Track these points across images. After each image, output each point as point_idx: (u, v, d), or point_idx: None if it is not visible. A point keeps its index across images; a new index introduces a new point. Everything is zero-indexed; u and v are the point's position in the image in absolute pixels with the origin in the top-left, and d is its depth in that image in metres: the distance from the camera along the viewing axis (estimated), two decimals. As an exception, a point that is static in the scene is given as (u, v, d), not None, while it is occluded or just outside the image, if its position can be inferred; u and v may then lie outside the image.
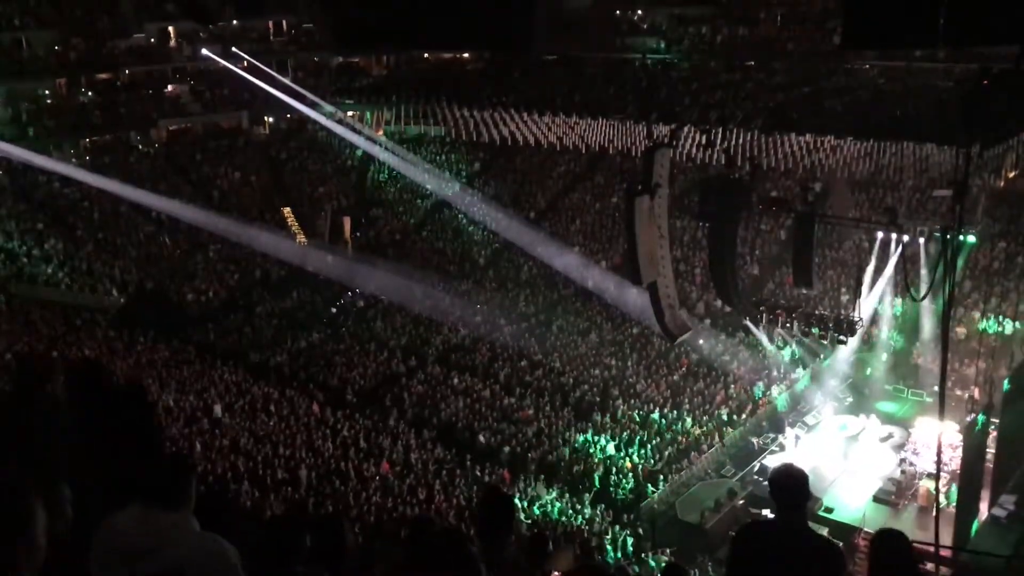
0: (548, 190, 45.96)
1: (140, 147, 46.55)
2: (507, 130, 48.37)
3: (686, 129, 39.82)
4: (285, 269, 39.84)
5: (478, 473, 25.48)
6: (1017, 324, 30.40)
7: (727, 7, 47.87)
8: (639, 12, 51.26)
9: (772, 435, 28.24)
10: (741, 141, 39.27)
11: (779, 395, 30.03)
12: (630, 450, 26.69)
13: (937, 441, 20.09)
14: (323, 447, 26.61)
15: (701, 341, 32.38)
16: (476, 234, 43.50)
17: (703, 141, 36.53)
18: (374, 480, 24.63)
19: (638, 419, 28.24)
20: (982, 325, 30.71)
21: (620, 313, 35.09)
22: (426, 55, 54.27)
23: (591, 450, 26.65)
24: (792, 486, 4.74)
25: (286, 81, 47.45)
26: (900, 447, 27.17)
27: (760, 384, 30.43)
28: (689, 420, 28.18)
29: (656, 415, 28.40)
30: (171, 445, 25.40)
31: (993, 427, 24.24)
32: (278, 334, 35.67)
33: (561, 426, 28.08)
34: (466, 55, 53.96)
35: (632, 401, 29.36)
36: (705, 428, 27.85)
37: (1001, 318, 30.86)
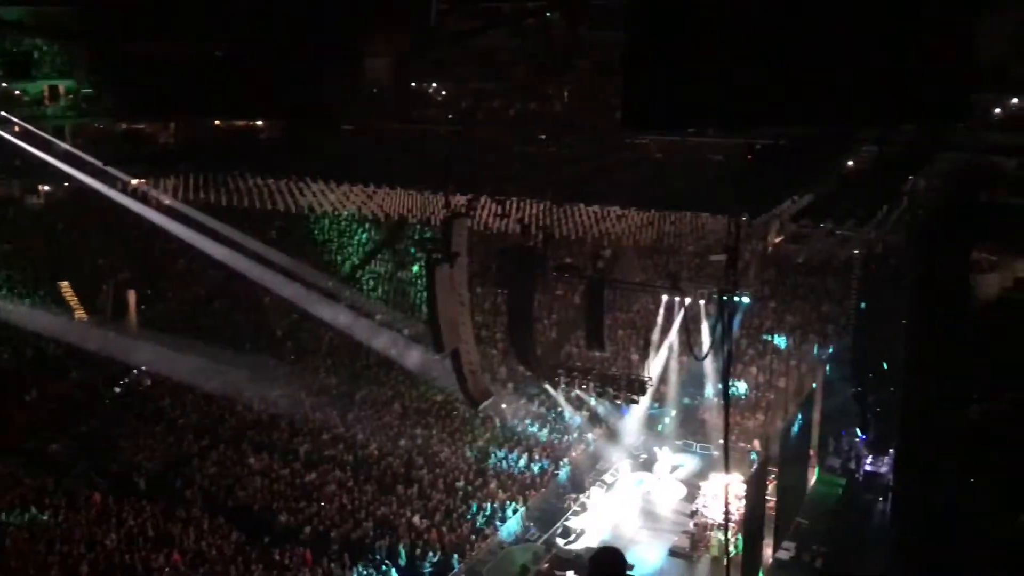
0: (349, 259, 45.51)
1: None
2: (305, 199, 47.65)
3: (483, 199, 40.71)
4: (62, 348, 36.83)
5: (276, 556, 24.28)
6: (788, 379, 32.85)
7: (521, 84, 49.80)
8: (434, 84, 52.34)
9: (574, 495, 28.81)
10: (534, 211, 40.62)
11: (578, 455, 30.76)
12: (435, 520, 26.37)
13: (724, 493, 21.17)
14: (106, 539, 24.49)
15: (504, 406, 32.76)
16: (273, 304, 42.23)
17: (499, 211, 37.48)
18: (163, 572, 22.89)
19: (443, 488, 28.02)
20: (755, 381, 33.01)
21: (423, 381, 35.00)
22: (217, 122, 52.75)
23: (396, 522, 26.11)
24: (609, 566, 4.84)
25: (65, 147, 44.54)
26: (692, 498, 28.40)
27: (560, 445, 31.08)
28: (494, 485, 28.27)
29: (461, 482, 28.29)
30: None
31: (772, 476, 25.89)
32: (54, 419, 32.78)
33: (365, 500, 27.39)
34: (260, 123, 52.92)
35: (438, 471, 29.14)
36: (509, 493, 28.01)
37: (774, 373, 33.27)
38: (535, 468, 29.61)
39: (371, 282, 44.00)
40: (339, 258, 45.71)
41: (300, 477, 28.84)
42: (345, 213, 47.50)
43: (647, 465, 30.90)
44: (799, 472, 28.15)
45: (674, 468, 30.30)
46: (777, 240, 39.12)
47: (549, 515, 27.87)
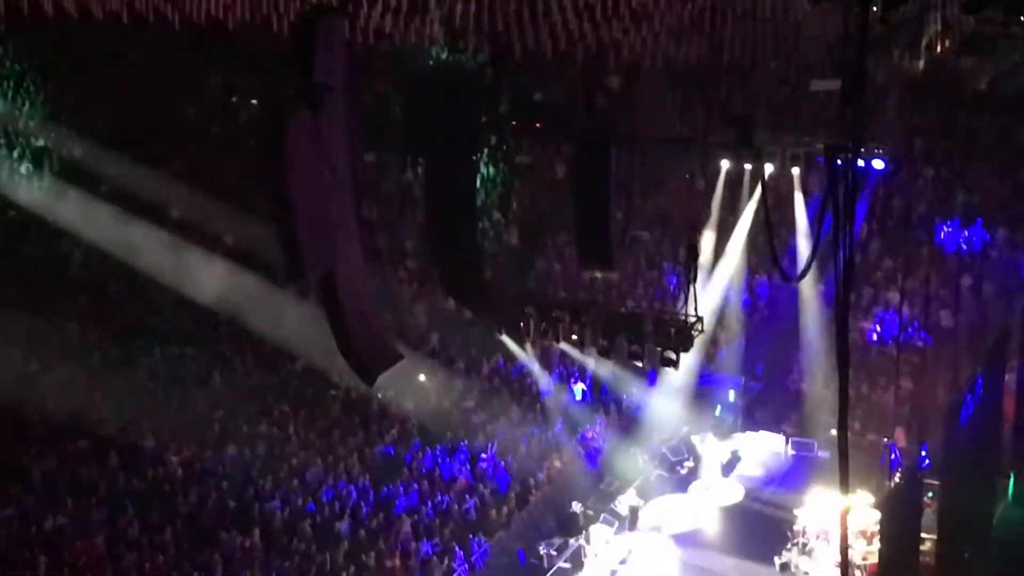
0: (118, 101, 44.98)
1: None
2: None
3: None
4: None
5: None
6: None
7: None
8: None
9: (559, 540, 29.16)
10: (473, 3, 40.25)
11: (564, 465, 31.11)
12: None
13: (842, 526, 21.47)
14: None
15: (423, 378, 32.91)
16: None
17: (401, 4, 37.16)
18: None
19: (311, 535, 28.29)
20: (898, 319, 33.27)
21: (267, 337, 35.13)
22: None
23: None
24: None
25: None
26: (778, 532, 28.78)
27: (531, 447, 31.42)
28: (408, 527, 28.55)
29: (346, 523, 28.56)
30: None
31: (930, 495, 26.27)
32: None
33: (167, 561, 27.68)
34: None
35: (300, 503, 29.36)
36: (437, 540, 28.32)
37: (933, 303, 33.55)
38: (486, 491, 29.94)
39: (157, 144, 43.54)
40: (103, 100, 45.12)
41: (36, 524, 28.97)
42: (107, 14, 46.79)
43: (691, 479, 31.36)
44: (979, 489, 28.64)
45: (731, 465, 30.77)
46: (938, 49, 39.15)
47: (516, 574, 28.33)
